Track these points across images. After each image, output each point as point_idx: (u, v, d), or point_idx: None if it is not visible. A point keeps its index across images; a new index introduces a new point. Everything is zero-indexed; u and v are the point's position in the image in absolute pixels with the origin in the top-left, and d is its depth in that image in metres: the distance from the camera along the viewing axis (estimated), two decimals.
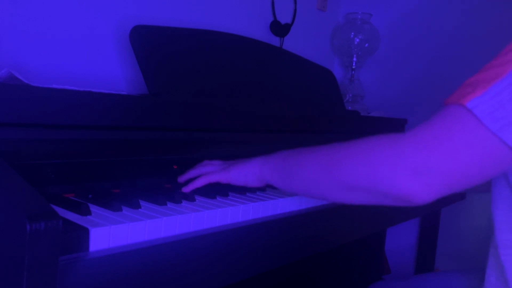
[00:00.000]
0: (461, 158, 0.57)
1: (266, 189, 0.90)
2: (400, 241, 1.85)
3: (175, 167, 0.90)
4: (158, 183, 0.85)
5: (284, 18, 1.69)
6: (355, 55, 1.84)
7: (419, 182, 0.57)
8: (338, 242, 1.03)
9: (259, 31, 1.62)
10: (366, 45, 1.81)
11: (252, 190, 0.86)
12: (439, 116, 0.60)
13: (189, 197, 0.75)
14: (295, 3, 1.73)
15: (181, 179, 0.85)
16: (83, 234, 0.55)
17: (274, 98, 1.30)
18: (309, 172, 0.70)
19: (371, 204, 0.65)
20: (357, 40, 1.81)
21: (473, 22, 1.67)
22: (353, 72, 1.85)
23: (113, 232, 0.57)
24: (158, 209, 0.69)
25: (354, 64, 1.85)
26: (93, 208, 0.64)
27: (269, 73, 1.32)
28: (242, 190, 0.84)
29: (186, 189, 0.79)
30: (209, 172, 0.81)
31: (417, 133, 0.60)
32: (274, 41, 1.65)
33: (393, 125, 1.69)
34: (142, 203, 0.70)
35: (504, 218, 0.69)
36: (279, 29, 1.66)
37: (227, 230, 0.72)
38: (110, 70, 1.22)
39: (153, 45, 1.02)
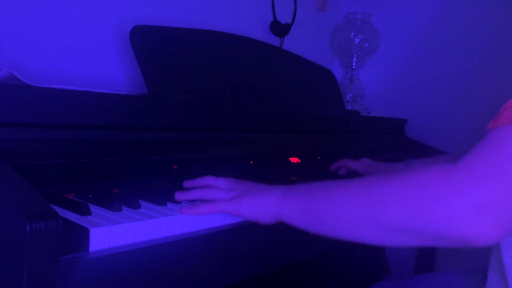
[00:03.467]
0: None
1: None
2: None
3: (175, 167, 0.90)
4: (158, 183, 0.85)
5: (284, 18, 1.69)
6: (355, 55, 1.84)
7: (485, 221, 0.50)
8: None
9: (259, 31, 1.62)
10: (366, 45, 1.81)
11: None
12: (491, 142, 0.53)
13: None
14: (295, 3, 1.73)
15: (187, 184, 0.76)
16: (83, 234, 0.55)
17: (274, 98, 1.30)
18: (342, 212, 0.60)
19: (420, 246, 0.59)
20: (357, 40, 1.81)
21: (473, 23, 1.66)
22: (353, 72, 1.85)
23: (113, 232, 0.57)
24: (158, 209, 0.69)
25: (354, 64, 1.85)
26: (93, 208, 0.64)
27: (269, 73, 1.32)
28: None
29: (188, 212, 0.68)
30: (216, 198, 0.71)
31: (472, 165, 0.52)
32: (274, 41, 1.65)
33: (393, 125, 1.69)
34: (142, 203, 0.70)
35: None
36: (279, 29, 1.66)
37: (228, 230, 0.72)
38: (110, 70, 1.22)
39: (153, 45, 1.02)
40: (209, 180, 0.75)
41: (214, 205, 0.69)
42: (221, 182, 0.74)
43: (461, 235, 0.51)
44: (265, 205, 0.67)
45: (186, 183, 0.76)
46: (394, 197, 0.55)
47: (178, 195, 0.72)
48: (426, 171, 0.55)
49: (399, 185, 0.56)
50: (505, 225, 0.51)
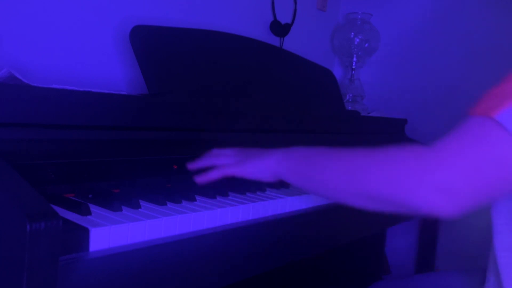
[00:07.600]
0: (489, 174, 0.55)
1: (266, 189, 0.90)
2: (400, 241, 1.85)
3: (175, 167, 0.90)
4: (158, 183, 0.85)
5: (284, 18, 1.69)
6: (355, 55, 1.84)
7: (444, 199, 0.56)
8: (339, 242, 1.03)
9: (259, 31, 1.62)
10: (366, 45, 1.81)
11: (252, 189, 0.86)
12: (465, 128, 0.58)
13: (189, 196, 0.75)
14: (295, 3, 1.73)
15: (191, 166, 0.84)
16: (83, 234, 0.55)
17: (274, 98, 1.30)
18: (330, 177, 0.69)
19: (390, 211, 0.64)
20: (357, 40, 1.81)
21: (473, 23, 1.67)
22: (353, 72, 1.85)
23: (113, 232, 0.57)
24: (158, 209, 0.69)
25: (354, 64, 1.85)
26: (93, 208, 0.64)
27: (269, 73, 1.32)
28: (242, 190, 0.84)
29: (200, 179, 0.78)
30: (223, 164, 0.80)
31: (441, 147, 0.58)
32: (274, 41, 1.65)
33: (393, 125, 1.69)
34: (142, 203, 0.70)
35: (503, 221, 0.69)
36: (279, 29, 1.66)
37: (227, 230, 0.72)
38: (110, 70, 1.22)
39: (153, 45, 1.02)
40: (215, 151, 0.85)
41: (222, 169, 0.78)
42: (226, 151, 0.84)
43: (423, 209, 0.58)
44: (266, 166, 0.78)
45: (190, 165, 0.84)
46: (371, 170, 0.63)
47: (190, 165, 0.83)
48: (403, 150, 0.61)
49: (378, 160, 0.63)
50: (465, 205, 0.57)
